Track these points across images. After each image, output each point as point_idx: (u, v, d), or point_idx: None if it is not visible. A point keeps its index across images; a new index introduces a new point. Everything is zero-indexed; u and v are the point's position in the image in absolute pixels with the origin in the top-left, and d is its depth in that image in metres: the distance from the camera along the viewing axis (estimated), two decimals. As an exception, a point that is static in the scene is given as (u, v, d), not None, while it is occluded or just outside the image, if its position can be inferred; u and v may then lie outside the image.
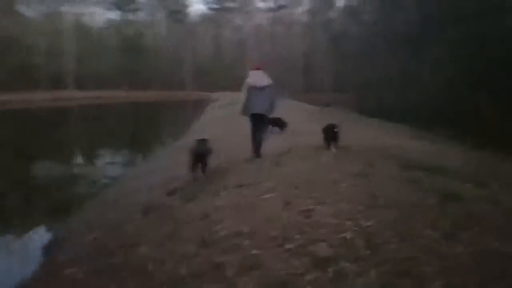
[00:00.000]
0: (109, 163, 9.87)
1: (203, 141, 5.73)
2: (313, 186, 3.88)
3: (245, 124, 6.49)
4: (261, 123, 6.11)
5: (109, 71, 53.45)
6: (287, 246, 2.60)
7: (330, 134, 6.23)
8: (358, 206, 3.15)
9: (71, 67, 48.43)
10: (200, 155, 5.31)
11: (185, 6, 61.42)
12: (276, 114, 6.86)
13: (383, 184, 3.81)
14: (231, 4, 60.41)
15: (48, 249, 4.28)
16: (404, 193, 3.45)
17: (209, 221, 3.39)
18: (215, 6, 61.58)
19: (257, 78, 6.04)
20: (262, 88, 5.92)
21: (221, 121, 12.88)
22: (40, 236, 4.90)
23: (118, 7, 60.64)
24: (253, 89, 5.90)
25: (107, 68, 53.05)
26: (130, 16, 62.39)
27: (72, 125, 21.83)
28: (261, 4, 59.21)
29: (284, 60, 45.40)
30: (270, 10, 58.53)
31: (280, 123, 9.13)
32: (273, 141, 7.35)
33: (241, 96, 6.05)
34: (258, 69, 6.24)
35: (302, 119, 11.34)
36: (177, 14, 61.31)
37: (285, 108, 16.00)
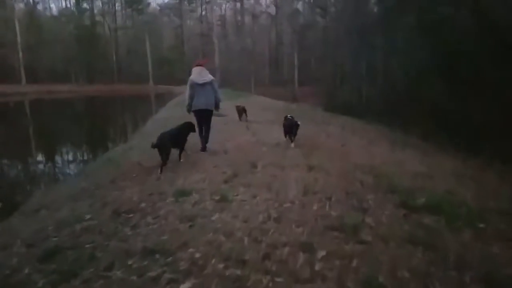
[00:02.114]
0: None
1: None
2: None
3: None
4: (206, 118, 6.25)
5: (62, 63, 49.63)
6: None
7: (290, 129, 6.80)
8: None
9: (21, 59, 44.11)
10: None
11: (145, -6, 57.93)
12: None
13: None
14: (193, -7, 57.72)
15: None
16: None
17: None
18: (176, -5, 58.54)
19: (198, 74, 6.17)
20: (203, 85, 6.09)
21: (175, 123, 11.19)
22: None
23: (73, -6, 56.30)
24: (195, 85, 6.11)
25: (61, 60, 49.17)
26: (85, 5, 58.27)
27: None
28: (224, -6, 57.03)
29: (250, 53, 43.73)
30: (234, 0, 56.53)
31: None
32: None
33: (186, 94, 6.27)
34: (200, 65, 6.35)
35: (267, 121, 9.98)
36: (136, 3, 57.79)
37: (250, 105, 14.75)
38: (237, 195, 3.96)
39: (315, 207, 3.52)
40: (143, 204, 3.96)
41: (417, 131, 10.89)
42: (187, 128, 5.97)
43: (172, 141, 5.56)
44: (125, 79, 52.59)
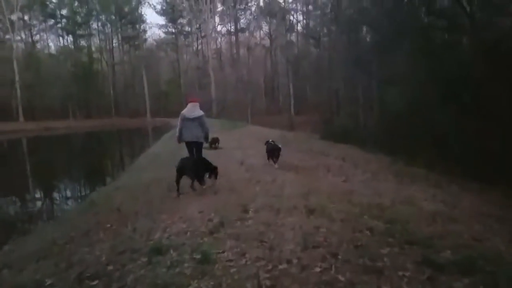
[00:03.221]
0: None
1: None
2: None
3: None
4: (196, 150, 6.65)
5: (60, 100, 49.73)
6: None
7: (272, 153, 7.74)
8: None
9: (19, 96, 44.15)
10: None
11: (141, 31, 59.02)
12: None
13: None
14: (188, 28, 58.83)
15: None
16: None
17: None
18: (172, 30, 59.67)
19: (190, 109, 6.62)
20: (193, 119, 6.51)
21: (166, 159, 10.58)
22: None
23: (70, 32, 57.36)
24: (185, 120, 6.54)
25: (58, 96, 49.30)
26: (83, 42, 59.33)
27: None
28: (220, 28, 58.22)
29: (246, 84, 43.95)
30: (229, 33, 57.61)
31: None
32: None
33: (178, 126, 6.69)
34: (193, 101, 6.83)
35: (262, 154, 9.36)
36: (133, 39, 58.83)
37: (245, 136, 14.22)
38: (222, 252, 3.28)
39: (317, 269, 2.84)
40: (110, 267, 3.28)
41: (419, 159, 10.29)
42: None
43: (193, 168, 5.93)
44: (123, 113, 52.63)
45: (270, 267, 2.91)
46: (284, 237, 3.52)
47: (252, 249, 3.27)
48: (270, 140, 8.11)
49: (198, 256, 3.18)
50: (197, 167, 5.92)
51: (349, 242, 3.34)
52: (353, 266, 2.87)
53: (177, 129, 6.65)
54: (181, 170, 5.81)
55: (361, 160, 9.25)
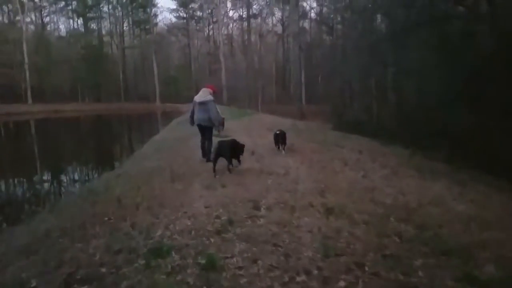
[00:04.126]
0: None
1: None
2: None
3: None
4: (206, 132, 7.08)
5: (69, 83, 49.70)
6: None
7: (280, 139, 7.91)
8: None
9: (28, 79, 44.18)
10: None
11: (152, 15, 58.31)
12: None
13: None
14: (200, 13, 57.95)
15: None
16: None
17: None
18: (183, 15, 58.83)
19: (200, 95, 7.01)
20: (201, 103, 6.88)
21: (171, 147, 10.19)
22: None
23: (80, 15, 56.96)
24: (195, 104, 6.99)
25: (68, 79, 49.25)
26: (93, 25, 58.96)
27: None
28: (231, 13, 57.21)
29: (257, 71, 43.21)
30: (241, 19, 56.56)
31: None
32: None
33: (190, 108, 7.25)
34: (207, 87, 7.23)
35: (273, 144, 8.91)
36: (143, 23, 58.20)
37: (254, 125, 13.76)
38: (231, 256, 2.87)
39: (342, 283, 2.42)
40: (104, 269, 2.90)
41: (438, 154, 9.71)
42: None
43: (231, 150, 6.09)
44: (132, 98, 52.44)
45: (286, 279, 2.50)
46: (301, 241, 3.10)
47: (265, 255, 2.86)
48: (277, 131, 8.15)
49: (203, 261, 2.78)
50: (234, 149, 6.16)
51: (376, 250, 2.91)
52: (383, 281, 2.45)
53: (190, 112, 7.25)
54: (219, 152, 5.95)
55: (378, 153, 8.73)
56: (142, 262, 2.91)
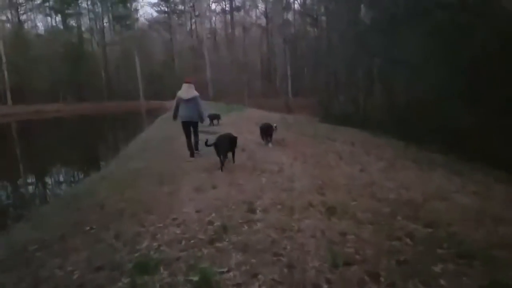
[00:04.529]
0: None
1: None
2: None
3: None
4: (192, 128, 7.06)
5: (50, 82, 48.10)
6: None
7: (266, 132, 7.92)
8: None
9: (7, 79, 42.60)
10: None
11: (132, 10, 56.92)
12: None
13: None
14: (181, 7, 56.86)
15: None
16: None
17: None
18: (165, 9, 57.63)
19: (185, 91, 6.96)
20: (188, 100, 6.85)
21: (157, 146, 9.76)
22: None
23: (59, 11, 55.14)
24: (180, 100, 6.92)
25: (48, 79, 47.66)
26: (72, 22, 57.17)
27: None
28: (214, 6, 56.29)
29: (242, 65, 42.66)
30: (224, 12, 55.76)
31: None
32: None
33: (173, 105, 7.15)
34: (188, 82, 7.11)
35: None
36: (124, 19, 56.77)
37: (245, 121, 13.42)
38: (227, 271, 2.55)
39: (356, 299, 2.12)
40: (82, 291, 2.55)
41: (431, 144, 9.55)
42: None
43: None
44: (115, 96, 51.13)
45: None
46: (304, 249, 2.80)
47: (265, 267, 2.54)
48: (262, 124, 8.30)
49: (196, 278, 2.45)
50: (232, 143, 6.12)
51: (389, 256, 2.62)
52: (403, 294, 2.16)
53: (173, 109, 7.13)
54: (221, 146, 5.90)
55: (371, 145, 8.51)
56: (127, 280, 2.57)
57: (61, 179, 9.85)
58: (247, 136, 9.36)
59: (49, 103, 43.63)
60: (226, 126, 12.20)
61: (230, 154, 6.19)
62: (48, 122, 31.42)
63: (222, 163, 5.79)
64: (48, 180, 9.83)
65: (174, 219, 3.67)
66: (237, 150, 6.84)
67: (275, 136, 8.26)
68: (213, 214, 3.66)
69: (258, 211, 3.69)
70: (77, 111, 40.61)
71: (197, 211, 3.82)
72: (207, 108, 13.68)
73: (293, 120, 16.57)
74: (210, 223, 3.45)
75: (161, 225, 3.59)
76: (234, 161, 6.20)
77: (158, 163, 7.08)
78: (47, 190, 8.38)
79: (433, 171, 5.87)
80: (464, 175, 5.94)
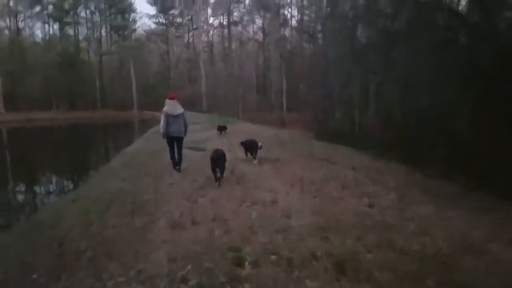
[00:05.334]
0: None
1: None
2: None
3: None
4: (178, 143, 7.25)
5: (44, 90, 47.12)
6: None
7: (251, 147, 7.89)
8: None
9: (0, 86, 41.73)
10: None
11: (131, 20, 56.64)
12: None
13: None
14: (179, 19, 56.72)
15: None
16: None
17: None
18: (163, 21, 57.44)
19: (172, 107, 7.09)
20: (177, 116, 7.05)
21: (142, 162, 8.94)
22: None
23: (57, 19, 54.53)
24: (169, 116, 7.00)
25: (43, 86, 46.76)
26: (70, 31, 56.55)
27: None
28: (212, 20, 56.23)
29: (237, 78, 42.20)
30: (221, 26, 55.63)
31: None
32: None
33: (161, 122, 7.10)
34: (173, 97, 7.27)
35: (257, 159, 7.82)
36: (122, 29, 56.39)
37: (235, 134, 12.66)
38: None
39: None
40: None
41: (435, 169, 8.86)
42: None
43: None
44: (109, 106, 50.26)
45: None
46: None
47: None
48: (245, 140, 8.36)
49: None
50: (223, 160, 6.04)
51: None
52: None
53: (161, 126, 7.08)
54: (216, 162, 5.82)
55: (373, 170, 7.80)
56: None
57: (29, 199, 8.82)
58: (240, 154, 8.51)
59: (42, 111, 42.58)
60: (216, 142, 11.45)
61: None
62: (39, 131, 30.36)
63: (218, 178, 5.78)
64: (17, 199, 8.87)
65: (139, 272, 2.88)
66: (226, 172, 6.10)
67: (268, 155, 7.82)
68: (189, 266, 2.88)
69: (246, 263, 2.92)
70: (69, 119, 39.66)
71: (170, 260, 3.04)
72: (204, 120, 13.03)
73: (287, 136, 15.90)
74: (184, 281, 2.68)
75: (122, 279, 2.81)
76: (222, 177, 5.98)
77: (138, 184, 6.29)
78: (9, 214, 7.36)
79: (450, 206, 5.10)
80: (490, 210, 5.16)
